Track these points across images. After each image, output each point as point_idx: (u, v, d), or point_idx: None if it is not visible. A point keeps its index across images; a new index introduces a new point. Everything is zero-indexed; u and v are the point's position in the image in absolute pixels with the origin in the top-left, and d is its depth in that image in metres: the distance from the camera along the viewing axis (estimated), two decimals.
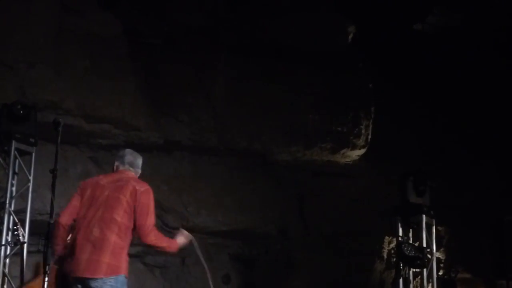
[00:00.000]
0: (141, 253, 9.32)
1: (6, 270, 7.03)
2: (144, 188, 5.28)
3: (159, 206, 9.07)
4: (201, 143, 9.34)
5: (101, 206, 5.19)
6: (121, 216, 5.16)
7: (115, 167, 5.51)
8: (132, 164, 5.50)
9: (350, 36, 10.33)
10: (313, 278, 10.23)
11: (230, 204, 9.52)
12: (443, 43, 11.00)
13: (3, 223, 6.92)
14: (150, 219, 5.23)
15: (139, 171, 5.58)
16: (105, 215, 5.14)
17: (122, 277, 5.15)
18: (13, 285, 7.08)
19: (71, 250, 5.16)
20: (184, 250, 9.44)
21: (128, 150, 5.63)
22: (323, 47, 9.99)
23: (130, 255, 9.21)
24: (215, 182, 9.51)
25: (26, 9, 7.91)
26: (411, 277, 8.96)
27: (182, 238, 5.57)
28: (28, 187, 7.26)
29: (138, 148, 8.89)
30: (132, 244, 9.21)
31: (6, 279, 7.02)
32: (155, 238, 5.29)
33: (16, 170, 7.28)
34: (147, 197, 5.26)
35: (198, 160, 9.50)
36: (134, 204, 5.20)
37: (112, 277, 5.07)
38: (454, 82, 11.16)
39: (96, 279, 5.02)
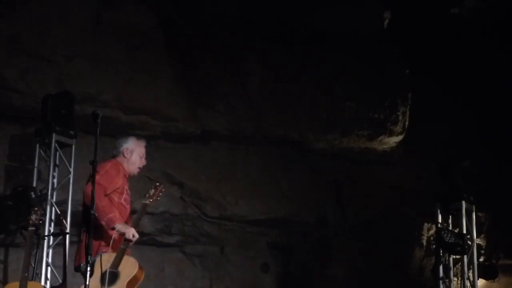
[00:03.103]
0: (180, 243, 9.41)
1: (50, 260, 7.18)
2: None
3: (197, 195, 9.14)
4: (238, 133, 9.35)
5: None
6: None
7: None
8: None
9: (386, 22, 10.21)
10: (352, 266, 10.20)
11: (268, 193, 9.53)
12: (481, 27, 10.81)
13: (45, 215, 7.06)
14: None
15: (117, 153, 6.17)
16: None
17: None
18: (57, 275, 7.23)
19: None
20: (223, 239, 9.61)
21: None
22: (359, 34, 9.88)
23: (170, 245, 9.40)
24: (252, 171, 9.52)
25: (63, 2, 8.01)
26: (451, 264, 8.91)
27: (126, 228, 5.68)
28: (69, 179, 7.40)
29: (176, 138, 9.03)
30: (170, 234, 9.37)
31: (49, 268, 7.18)
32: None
33: (57, 162, 7.43)
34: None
35: (235, 149, 9.51)
36: None
37: None
38: (492, 67, 10.96)
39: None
